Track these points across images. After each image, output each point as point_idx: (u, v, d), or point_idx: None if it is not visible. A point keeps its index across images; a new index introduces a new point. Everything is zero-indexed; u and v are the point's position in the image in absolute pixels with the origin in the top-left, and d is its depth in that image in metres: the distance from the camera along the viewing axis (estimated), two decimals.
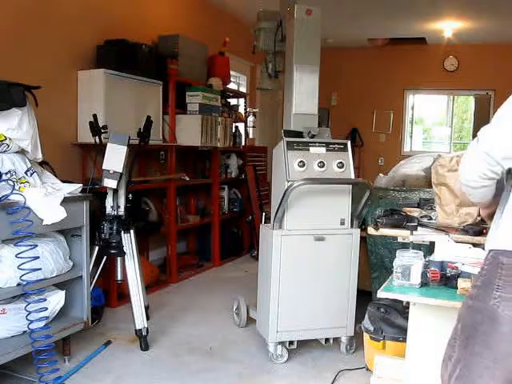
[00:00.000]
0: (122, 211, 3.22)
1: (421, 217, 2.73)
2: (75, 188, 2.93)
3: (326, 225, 3.06)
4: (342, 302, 3.13)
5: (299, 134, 3.15)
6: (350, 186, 3.08)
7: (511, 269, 1.34)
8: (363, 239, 3.28)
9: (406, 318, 2.33)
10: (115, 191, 3.18)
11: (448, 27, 6.86)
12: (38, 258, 2.55)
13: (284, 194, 2.86)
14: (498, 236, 1.43)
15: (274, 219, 2.97)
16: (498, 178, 1.42)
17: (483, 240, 2.16)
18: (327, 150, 3.05)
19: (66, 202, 2.66)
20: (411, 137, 8.60)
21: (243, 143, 5.85)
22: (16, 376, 2.74)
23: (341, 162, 3.03)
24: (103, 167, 3.02)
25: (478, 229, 2.43)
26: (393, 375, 2.45)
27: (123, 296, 3.78)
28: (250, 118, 6.64)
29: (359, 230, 3.13)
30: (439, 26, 6.84)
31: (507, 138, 1.38)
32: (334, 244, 3.07)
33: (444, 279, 2.14)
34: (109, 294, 3.85)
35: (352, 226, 3.10)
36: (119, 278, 3.27)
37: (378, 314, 2.83)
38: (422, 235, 2.44)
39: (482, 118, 7.67)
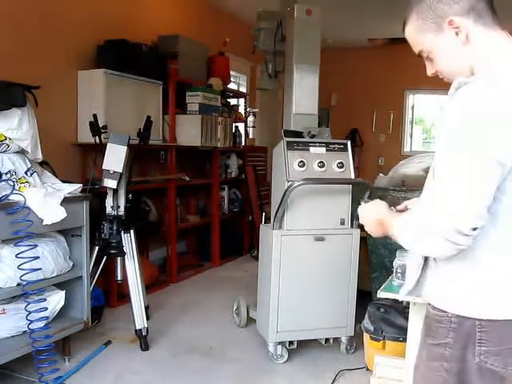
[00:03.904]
0: (121, 211, 3.22)
1: None
2: (75, 188, 2.93)
3: (326, 225, 3.06)
4: (342, 301, 3.13)
5: (299, 134, 3.15)
6: (350, 185, 3.08)
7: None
8: (363, 239, 3.27)
9: (406, 318, 2.32)
10: (115, 191, 3.18)
11: None
12: (38, 257, 2.55)
13: (284, 194, 2.86)
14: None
15: (274, 219, 2.97)
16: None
17: None
18: (327, 150, 3.05)
19: (65, 202, 2.67)
20: (411, 137, 8.59)
21: (243, 143, 5.85)
22: (16, 376, 2.74)
23: (341, 162, 3.03)
24: (103, 167, 3.02)
25: None
26: (393, 375, 2.45)
27: (123, 296, 3.78)
28: (250, 118, 6.63)
29: (359, 229, 3.13)
30: None
31: (475, 202, 1.11)
32: (334, 244, 3.07)
33: None
34: (109, 293, 3.85)
35: (352, 226, 3.10)
36: (119, 278, 3.28)
37: (378, 314, 2.83)
38: None
39: None
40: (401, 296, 1.43)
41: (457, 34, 1.22)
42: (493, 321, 1.18)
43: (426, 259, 1.32)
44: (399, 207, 1.47)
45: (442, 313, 1.25)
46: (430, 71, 1.34)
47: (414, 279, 1.34)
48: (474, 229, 1.10)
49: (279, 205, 2.91)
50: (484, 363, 1.19)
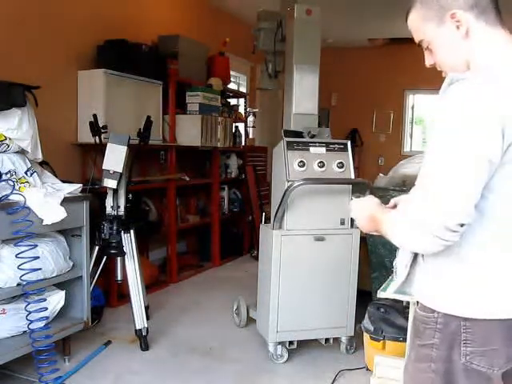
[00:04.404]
0: (121, 211, 3.22)
1: None
2: (75, 188, 2.93)
3: (326, 225, 3.06)
4: (342, 301, 3.13)
5: (299, 134, 3.15)
6: (350, 185, 3.08)
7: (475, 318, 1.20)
8: (363, 239, 3.28)
9: (406, 318, 2.33)
10: (115, 191, 3.18)
11: None
12: (38, 257, 2.56)
13: (284, 193, 2.86)
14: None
15: (274, 219, 2.97)
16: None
17: None
18: (327, 150, 3.05)
19: (66, 201, 2.67)
20: (411, 137, 8.59)
21: (243, 143, 5.85)
22: (16, 376, 2.74)
23: (341, 162, 3.03)
24: (103, 167, 3.02)
25: None
26: (393, 375, 2.45)
27: (123, 296, 3.78)
28: (250, 118, 6.63)
29: (359, 229, 3.12)
30: None
31: (467, 195, 1.11)
32: (334, 244, 3.07)
33: None
34: (109, 294, 3.85)
35: (352, 226, 3.10)
36: (119, 278, 3.28)
37: (378, 314, 2.83)
38: None
39: None
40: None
41: (457, 27, 1.22)
42: (477, 320, 1.19)
43: (416, 256, 1.32)
44: (388, 206, 1.48)
45: (428, 314, 1.25)
46: (428, 62, 1.34)
47: (402, 276, 1.34)
48: (461, 225, 1.11)
49: (279, 205, 2.91)
50: (470, 364, 1.20)
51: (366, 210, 1.41)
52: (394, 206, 1.49)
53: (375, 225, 1.35)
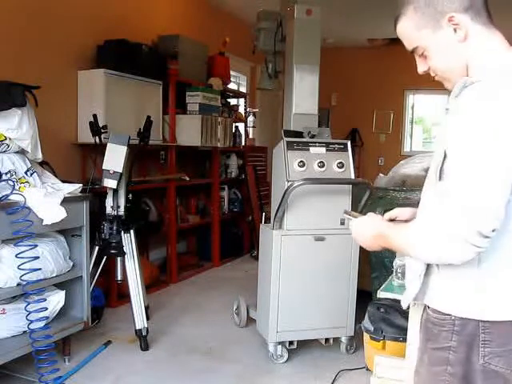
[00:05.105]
0: (121, 211, 3.22)
1: None
2: (75, 188, 2.93)
3: (326, 225, 3.06)
4: (342, 301, 3.13)
5: (299, 134, 3.15)
6: (350, 185, 3.08)
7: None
8: None
9: (406, 318, 2.32)
10: (115, 191, 3.18)
11: None
12: (38, 258, 2.56)
13: (284, 193, 2.86)
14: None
15: (274, 219, 2.97)
16: None
17: None
18: (327, 150, 3.05)
19: (65, 201, 2.67)
20: (411, 137, 8.59)
21: (243, 143, 5.85)
22: (16, 376, 2.74)
23: (341, 162, 3.03)
24: (103, 167, 3.02)
25: None
26: (393, 375, 2.45)
27: (123, 296, 3.78)
28: (250, 118, 6.63)
29: None
30: None
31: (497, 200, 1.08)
32: (334, 244, 3.07)
33: None
34: (109, 294, 3.85)
35: None
36: (119, 278, 3.28)
37: (378, 314, 2.83)
38: None
39: None
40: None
41: (455, 30, 1.19)
42: (496, 322, 1.17)
43: (428, 266, 1.28)
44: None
45: (444, 316, 1.23)
46: (421, 69, 1.30)
47: (417, 287, 1.30)
48: (493, 230, 1.08)
49: (279, 205, 2.91)
50: (488, 364, 1.18)
51: (370, 229, 1.38)
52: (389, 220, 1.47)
53: (383, 242, 1.32)
